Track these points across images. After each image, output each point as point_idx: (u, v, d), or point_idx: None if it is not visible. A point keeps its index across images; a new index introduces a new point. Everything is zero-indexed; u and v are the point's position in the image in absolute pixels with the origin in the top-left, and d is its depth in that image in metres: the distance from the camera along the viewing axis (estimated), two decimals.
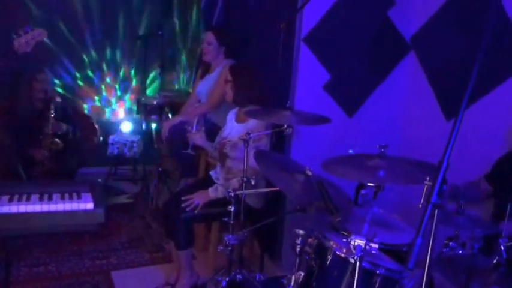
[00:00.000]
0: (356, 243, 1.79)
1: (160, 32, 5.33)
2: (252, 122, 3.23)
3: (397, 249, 2.16)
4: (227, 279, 2.91)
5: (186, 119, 3.98)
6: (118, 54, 5.67)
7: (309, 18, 3.32)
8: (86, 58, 5.54)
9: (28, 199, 2.43)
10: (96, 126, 5.09)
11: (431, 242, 1.41)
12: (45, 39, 5.07)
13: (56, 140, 4.43)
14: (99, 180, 5.16)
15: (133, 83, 5.84)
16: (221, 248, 2.85)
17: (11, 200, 2.40)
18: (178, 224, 3.24)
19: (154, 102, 4.93)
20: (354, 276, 1.83)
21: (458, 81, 3.01)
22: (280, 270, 3.61)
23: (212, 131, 3.70)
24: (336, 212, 2.16)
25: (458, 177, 2.51)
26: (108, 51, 5.60)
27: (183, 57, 5.90)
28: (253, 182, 2.84)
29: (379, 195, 2.23)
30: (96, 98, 5.72)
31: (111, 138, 5.41)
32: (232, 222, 2.88)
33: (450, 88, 3.26)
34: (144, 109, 4.98)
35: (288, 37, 3.23)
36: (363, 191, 2.41)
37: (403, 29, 3.56)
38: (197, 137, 3.38)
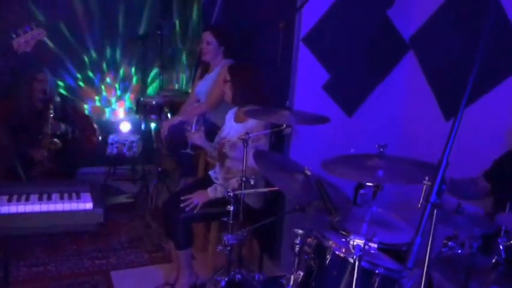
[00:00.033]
0: (355, 243, 1.79)
1: (159, 32, 5.33)
2: (251, 122, 3.23)
3: (396, 249, 2.16)
4: (226, 279, 2.91)
5: (185, 119, 3.98)
6: (118, 54, 5.66)
7: (308, 18, 3.32)
8: (86, 59, 5.54)
9: (27, 199, 2.43)
10: (95, 125, 5.09)
11: (430, 242, 1.42)
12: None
13: (55, 140, 4.43)
14: (99, 180, 5.17)
15: (133, 82, 5.83)
16: (220, 247, 2.85)
17: (10, 200, 2.40)
18: (178, 224, 3.24)
19: (154, 102, 4.93)
20: (353, 276, 1.83)
21: (457, 81, 3.02)
22: (280, 270, 3.61)
23: (211, 130, 3.70)
24: (335, 211, 2.16)
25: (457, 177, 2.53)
26: (108, 51, 5.60)
27: (183, 57, 5.90)
28: (252, 182, 2.84)
29: (378, 195, 2.24)
30: (96, 98, 5.72)
31: (111, 138, 5.41)
32: (231, 222, 2.88)
33: (449, 88, 3.26)
34: (144, 109, 4.98)
35: (287, 37, 3.23)
36: (362, 191, 2.41)
37: (402, 29, 3.56)
38: (196, 136, 3.38)
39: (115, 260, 3.88)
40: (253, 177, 2.85)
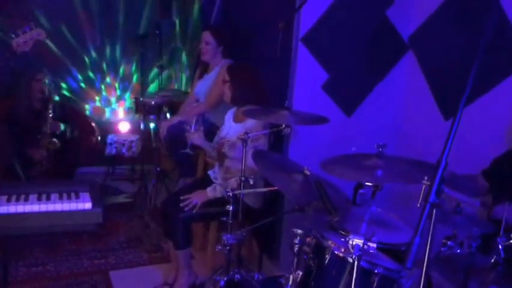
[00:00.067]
0: (354, 243, 1.79)
1: (158, 32, 5.32)
2: (250, 122, 3.23)
3: (395, 249, 2.16)
4: (225, 278, 2.91)
5: (184, 119, 3.99)
6: (118, 54, 5.67)
7: (307, 18, 3.32)
8: (87, 59, 5.55)
9: (26, 199, 2.43)
10: (94, 124, 5.09)
11: (429, 241, 1.42)
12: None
13: (54, 139, 4.43)
14: (98, 180, 5.17)
15: (133, 82, 5.83)
16: (219, 247, 2.85)
17: (9, 200, 2.39)
18: (177, 224, 3.24)
19: (153, 102, 4.93)
20: (352, 276, 1.83)
21: (456, 80, 3.02)
22: (279, 269, 3.62)
23: (210, 130, 3.70)
24: (334, 211, 2.16)
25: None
26: (107, 51, 5.61)
27: (183, 57, 5.90)
28: (251, 182, 2.84)
29: (377, 194, 2.24)
30: (96, 98, 5.72)
31: (110, 137, 5.41)
32: (230, 221, 2.88)
33: (448, 87, 3.27)
34: (143, 109, 4.98)
35: (286, 37, 3.23)
36: (361, 191, 2.41)
37: (401, 29, 3.57)
38: (195, 136, 3.38)
39: (114, 260, 3.88)
40: (252, 177, 2.85)
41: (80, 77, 5.57)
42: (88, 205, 2.44)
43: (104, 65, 5.64)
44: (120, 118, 5.77)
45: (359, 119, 3.62)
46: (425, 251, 1.41)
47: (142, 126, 5.25)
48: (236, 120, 3.40)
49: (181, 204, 3.23)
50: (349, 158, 2.26)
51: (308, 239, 2.24)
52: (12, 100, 4.54)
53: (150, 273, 3.71)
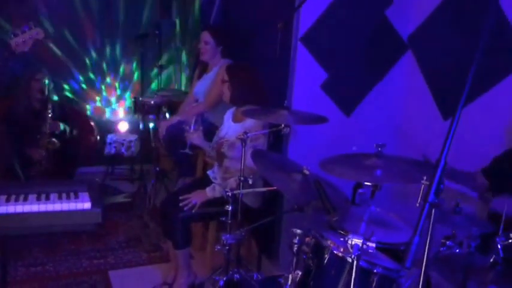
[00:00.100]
0: (353, 242, 1.79)
1: (157, 32, 5.32)
2: (249, 122, 3.23)
3: (395, 248, 2.16)
4: (225, 278, 2.91)
5: (183, 119, 3.99)
6: (118, 54, 5.67)
7: (306, 17, 3.32)
8: (87, 60, 5.56)
9: (25, 199, 2.42)
10: (93, 124, 5.09)
11: (428, 241, 1.42)
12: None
13: (53, 139, 4.43)
14: (97, 179, 5.16)
15: (133, 82, 5.83)
16: (218, 247, 2.84)
17: (8, 200, 2.39)
18: (176, 224, 3.24)
19: (152, 102, 4.93)
20: (351, 275, 1.83)
21: (455, 80, 3.02)
22: (278, 269, 3.62)
23: (209, 130, 3.70)
24: (333, 211, 2.16)
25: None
26: (107, 51, 5.61)
27: (183, 56, 5.89)
28: (250, 182, 2.84)
29: (376, 194, 2.24)
30: (97, 98, 5.73)
31: (109, 137, 5.41)
32: (229, 221, 2.88)
33: (447, 87, 3.27)
34: (142, 108, 4.98)
35: (285, 37, 3.23)
36: (360, 190, 2.41)
37: (400, 28, 3.57)
38: (195, 136, 3.38)
39: (113, 260, 3.88)
40: (251, 176, 2.85)
41: (81, 78, 5.58)
42: (87, 205, 2.44)
43: (104, 66, 5.64)
44: (120, 118, 5.77)
45: (358, 118, 3.63)
46: (425, 251, 1.41)
47: (141, 126, 5.25)
48: (235, 120, 3.40)
49: (180, 204, 3.23)
50: (348, 158, 2.26)
51: (307, 239, 2.24)
52: (12, 100, 4.54)
53: (149, 273, 3.71)
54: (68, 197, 2.47)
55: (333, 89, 3.51)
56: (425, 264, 1.43)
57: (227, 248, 2.82)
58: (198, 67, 4.49)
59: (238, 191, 2.84)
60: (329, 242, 2.13)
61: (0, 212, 2.33)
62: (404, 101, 3.66)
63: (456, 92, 1.41)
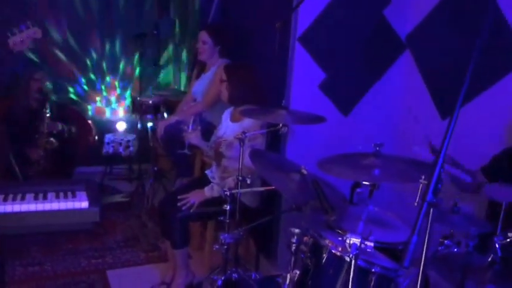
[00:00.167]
0: (351, 242, 1.79)
1: (156, 31, 5.32)
2: (247, 121, 3.23)
3: (393, 248, 2.16)
4: (223, 278, 2.90)
5: (181, 118, 3.99)
6: (117, 54, 5.67)
7: (304, 17, 3.32)
8: (88, 62, 5.56)
9: (23, 198, 2.42)
10: (91, 124, 5.09)
11: (426, 240, 1.42)
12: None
13: (52, 139, 4.42)
14: (95, 179, 5.16)
15: (132, 82, 5.83)
16: (217, 247, 2.84)
17: (5, 200, 2.39)
18: (174, 223, 3.24)
19: (150, 102, 4.93)
20: (350, 275, 1.83)
21: (453, 80, 3.02)
22: (276, 269, 3.62)
23: (208, 130, 3.70)
24: (331, 210, 2.16)
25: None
26: (107, 52, 5.61)
27: (183, 55, 5.89)
28: (248, 181, 2.84)
29: (374, 193, 2.24)
30: (97, 99, 5.73)
31: (107, 137, 5.40)
32: (227, 221, 2.88)
33: (445, 87, 3.27)
34: (140, 108, 4.98)
35: (283, 37, 3.23)
36: (358, 190, 2.41)
37: (398, 28, 3.57)
38: (193, 136, 3.38)
39: (111, 259, 3.88)
40: (249, 176, 2.85)
41: (82, 79, 5.60)
42: (85, 204, 2.44)
43: (104, 66, 5.65)
44: (121, 117, 5.77)
45: (356, 118, 3.63)
46: (423, 250, 1.42)
47: (139, 125, 5.25)
48: (233, 119, 3.40)
49: (178, 204, 3.22)
50: (346, 158, 2.26)
51: (305, 238, 2.24)
52: (11, 100, 4.54)
53: (147, 273, 3.71)
54: (66, 196, 2.47)
55: (331, 89, 3.51)
56: (424, 264, 1.43)
57: (225, 247, 2.82)
58: (196, 67, 4.48)
59: (237, 191, 2.84)
60: (327, 241, 2.13)
61: None
62: (402, 101, 3.67)
63: (454, 91, 1.41)
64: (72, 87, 5.56)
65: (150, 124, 5.07)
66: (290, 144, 3.48)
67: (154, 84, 5.76)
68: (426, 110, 3.41)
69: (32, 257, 3.81)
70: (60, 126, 4.48)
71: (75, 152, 4.75)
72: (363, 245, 1.79)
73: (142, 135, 5.30)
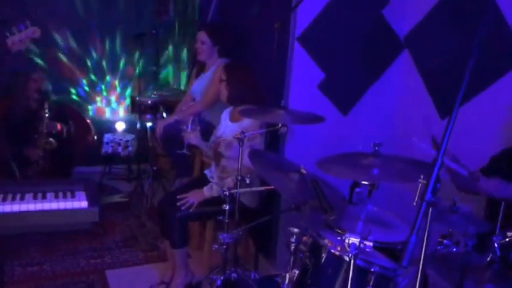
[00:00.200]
0: (350, 241, 1.79)
1: (155, 31, 5.32)
2: (246, 121, 3.23)
3: (392, 247, 2.16)
4: (222, 277, 2.90)
5: (180, 118, 3.99)
6: (117, 54, 5.67)
7: (303, 17, 3.32)
8: (89, 62, 5.56)
9: (22, 198, 2.42)
10: (90, 124, 5.08)
11: (425, 240, 1.42)
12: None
13: (51, 139, 4.41)
14: (94, 179, 5.16)
15: (132, 82, 5.82)
16: (216, 246, 2.84)
17: (4, 199, 2.39)
18: (173, 223, 3.24)
19: (149, 101, 4.93)
20: (349, 274, 1.83)
21: (452, 79, 3.02)
22: (275, 268, 3.62)
23: (207, 130, 3.70)
24: (330, 210, 2.16)
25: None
26: (107, 52, 5.61)
27: (184, 55, 5.89)
28: (247, 181, 2.84)
29: (373, 193, 2.24)
30: (98, 99, 5.73)
31: (106, 137, 5.40)
32: (227, 221, 2.88)
33: (444, 87, 3.27)
34: (139, 108, 4.98)
35: (282, 36, 3.23)
36: (357, 189, 2.41)
37: (397, 28, 3.57)
38: (192, 136, 3.38)
39: (110, 259, 3.87)
40: (248, 176, 2.85)
41: (84, 80, 5.60)
42: (84, 204, 2.44)
43: (104, 66, 5.65)
44: (121, 117, 5.77)
45: (355, 118, 3.63)
46: (422, 250, 1.42)
47: (138, 125, 5.25)
48: (232, 119, 3.40)
49: (178, 204, 3.22)
50: (345, 157, 2.26)
51: (304, 238, 2.25)
52: (10, 100, 4.53)
53: (146, 273, 3.71)
54: (65, 196, 2.48)
55: (330, 89, 3.51)
56: (423, 263, 1.44)
57: (224, 247, 2.82)
58: (196, 66, 4.48)
59: (236, 191, 2.84)
60: (326, 241, 2.13)
61: None
62: (401, 101, 3.67)
63: (453, 91, 1.42)
64: (74, 88, 5.56)
65: (149, 124, 5.08)
66: (289, 144, 3.48)
67: (154, 84, 5.76)
68: (425, 110, 3.41)
69: (31, 257, 3.80)
70: (58, 126, 4.48)
71: (74, 152, 4.75)
72: (362, 245, 1.79)
73: (142, 135, 5.30)
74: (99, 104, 5.73)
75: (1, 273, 2.87)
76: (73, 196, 2.48)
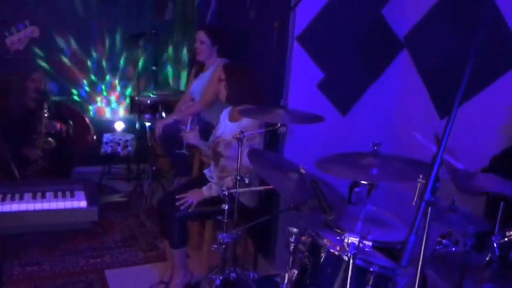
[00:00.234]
0: (350, 241, 1.79)
1: (154, 31, 5.32)
2: (245, 121, 3.23)
3: (391, 247, 2.16)
4: (221, 277, 2.90)
5: (179, 118, 3.99)
6: (116, 54, 5.67)
7: (303, 17, 3.32)
8: (89, 63, 5.56)
9: (21, 198, 2.42)
10: (88, 121, 5.08)
11: (424, 240, 1.42)
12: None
13: (50, 139, 4.41)
14: (93, 179, 5.16)
15: (132, 82, 5.83)
16: (215, 246, 2.84)
17: (3, 199, 2.39)
18: (173, 223, 3.24)
19: (148, 101, 4.93)
20: (348, 274, 1.83)
21: (451, 79, 3.02)
22: (274, 268, 3.62)
23: (206, 129, 3.70)
24: (329, 210, 2.16)
25: None
26: (107, 52, 5.61)
27: (184, 55, 5.89)
28: (247, 181, 2.84)
29: (372, 193, 2.24)
30: (98, 99, 5.73)
31: (105, 137, 5.40)
32: (226, 220, 2.88)
33: (443, 86, 3.27)
34: (138, 108, 4.98)
35: (281, 36, 3.23)
36: (356, 189, 2.41)
37: (396, 27, 3.57)
38: (191, 136, 3.38)
39: (109, 259, 3.88)
40: (247, 176, 2.85)
41: (84, 81, 5.61)
42: (83, 203, 2.44)
43: (104, 66, 5.65)
44: (121, 117, 5.77)
45: (354, 117, 3.63)
46: (421, 249, 1.42)
47: (137, 125, 5.25)
48: (232, 119, 3.40)
49: (177, 203, 3.22)
50: (344, 157, 2.26)
51: (303, 238, 2.24)
52: (8, 100, 4.53)
53: (145, 272, 3.71)
54: (64, 196, 2.47)
55: (329, 88, 3.51)
56: (422, 263, 1.43)
57: (223, 247, 2.82)
58: (195, 66, 4.49)
59: (235, 190, 2.84)
60: (325, 240, 2.13)
61: None
62: (400, 100, 3.66)
63: (452, 90, 1.41)
64: (76, 89, 5.58)
65: (148, 124, 5.08)
66: (288, 143, 3.48)
67: (153, 84, 5.75)
68: (424, 110, 3.41)
69: (30, 257, 3.81)
70: (58, 126, 4.48)
71: (73, 151, 4.74)
72: (361, 244, 1.79)
73: (141, 135, 5.30)
74: (99, 104, 5.74)
75: (0, 273, 2.86)
76: (72, 196, 2.48)
